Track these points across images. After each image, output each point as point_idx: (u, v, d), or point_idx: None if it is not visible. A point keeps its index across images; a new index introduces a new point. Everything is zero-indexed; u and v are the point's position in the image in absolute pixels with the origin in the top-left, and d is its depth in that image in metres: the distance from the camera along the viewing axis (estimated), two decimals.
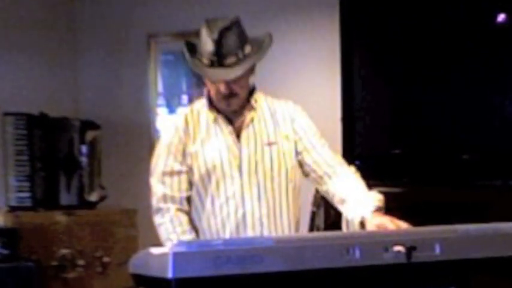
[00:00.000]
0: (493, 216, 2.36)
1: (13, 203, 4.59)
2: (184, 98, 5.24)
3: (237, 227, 2.61)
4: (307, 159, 2.67)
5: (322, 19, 4.71)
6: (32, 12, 5.08)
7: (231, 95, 2.59)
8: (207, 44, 2.54)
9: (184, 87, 5.26)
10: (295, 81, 4.59)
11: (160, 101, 5.27)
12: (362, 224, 2.45)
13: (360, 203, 2.49)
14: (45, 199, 4.63)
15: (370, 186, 2.66)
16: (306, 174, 2.71)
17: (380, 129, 4.48)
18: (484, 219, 2.25)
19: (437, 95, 4.27)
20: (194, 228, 2.69)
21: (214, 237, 2.63)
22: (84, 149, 4.73)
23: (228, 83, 2.57)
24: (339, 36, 4.45)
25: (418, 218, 2.34)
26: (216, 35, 2.52)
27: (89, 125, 4.79)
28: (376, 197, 2.50)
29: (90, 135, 4.76)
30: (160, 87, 5.27)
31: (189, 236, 2.64)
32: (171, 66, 5.27)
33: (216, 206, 2.64)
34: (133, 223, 4.69)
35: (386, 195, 2.59)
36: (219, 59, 2.53)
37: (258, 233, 2.60)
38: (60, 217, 4.51)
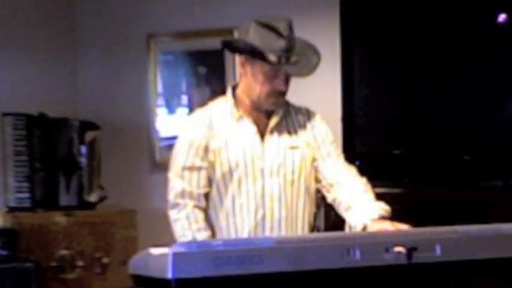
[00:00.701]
0: (494, 217, 2.37)
1: (12, 204, 4.57)
2: (184, 99, 5.23)
3: (256, 227, 2.62)
4: (322, 166, 2.69)
5: (323, 19, 4.69)
6: (31, 12, 5.06)
7: (284, 93, 2.62)
8: (273, 40, 2.53)
9: (184, 87, 5.24)
10: (295, 81, 4.57)
11: (160, 101, 5.24)
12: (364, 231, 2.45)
13: (364, 210, 2.49)
14: (45, 200, 4.60)
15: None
16: (317, 181, 2.72)
17: (380, 129, 4.48)
18: (485, 220, 2.26)
19: (438, 95, 4.26)
20: (210, 225, 2.68)
21: (231, 236, 2.63)
22: (83, 149, 4.71)
23: (287, 81, 2.61)
24: (339, 36, 4.44)
25: (418, 218, 2.34)
26: (287, 32, 2.54)
27: (88, 125, 4.77)
28: (381, 207, 2.50)
29: (89, 135, 4.74)
30: (160, 88, 5.24)
31: (204, 234, 2.63)
32: (170, 66, 5.25)
33: (236, 205, 2.63)
34: (133, 224, 4.67)
35: (386, 195, 2.59)
36: (288, 56, 2.55)
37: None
38: (59, 218, 4.49)
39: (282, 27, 2.55)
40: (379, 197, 2.63)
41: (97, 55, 5.37)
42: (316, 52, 2.68)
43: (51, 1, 5.26)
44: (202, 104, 2.85)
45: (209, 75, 5.03)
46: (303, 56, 2.61)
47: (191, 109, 4.92)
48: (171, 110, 5.23)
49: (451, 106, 4.25)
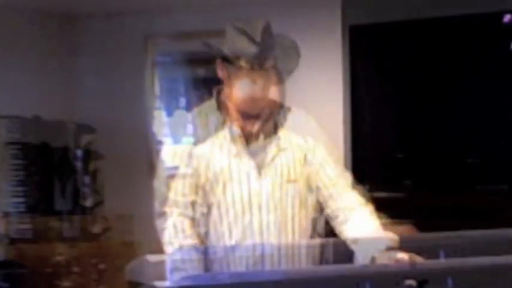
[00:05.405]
0: (499, 222, 2.33)
1: (7, 209, 4.54)
2: (182, 101, 5.20)
3: (244, 232, 2.57)
4: (323, 197, 2.61)
5: (325, 20, 4.68)
6: (27, 15, 5.03)
7: (261, 98, 2.57)
8: (246, 46, 2.50)
9: (182, 89, 5.22)
10: (297, 84, 4.52)
11: (158, 103, 5.22)
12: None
13: (371, 244, 2.44)
14: (40, 204, 4.58)
15: (372, 190, 2.63)
16: (321, 207, 2.66)
17: (383, 133, 4.48)
18: (489, 224, 2.22)
19: (442, 99, 4.28)
20: (198, 233, 2.64)
21: (220, 242, 2.58)
22: (79, 153, 4.69)
23: (266, 85, 2.56)
24: (341, 38, 4.44)
25: (421, 223, 2.31)
26: (260, 37, 2.49)
27: (84, 128, 4.76)
28: (389, 238, 2.44)
29: (85, 139, 4.73)
30: (157, 90, 5.22)
31: (191, 241, 2.58)
32: (168, 68, 5.23)
33: (222, 211, 2.59)
34: (130, 229, 4.65)
35: (389, 199, 2.55)
36: (260, 62, 2.51)
37: (264, 240, 2.56)
38: (54, 223, 4.46)
39: (255, 32, 2.50)
40: (381, 201, 2.59)
41: (93, 56, 5.34)
42: (295, 54, 2.63)
43: (48, 4, 5.23)
44: None
45: (208, 77, 4.99)
46: (282, 59, 2.57)
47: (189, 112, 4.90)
48: (168, 112, 5.20)
49: (455, 110, 4.26)
